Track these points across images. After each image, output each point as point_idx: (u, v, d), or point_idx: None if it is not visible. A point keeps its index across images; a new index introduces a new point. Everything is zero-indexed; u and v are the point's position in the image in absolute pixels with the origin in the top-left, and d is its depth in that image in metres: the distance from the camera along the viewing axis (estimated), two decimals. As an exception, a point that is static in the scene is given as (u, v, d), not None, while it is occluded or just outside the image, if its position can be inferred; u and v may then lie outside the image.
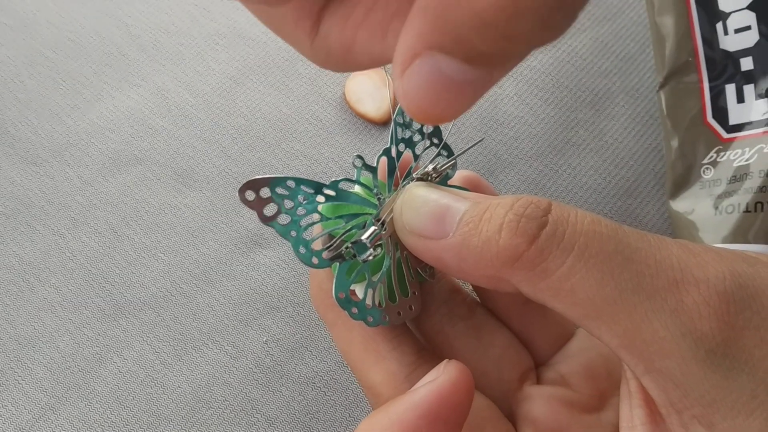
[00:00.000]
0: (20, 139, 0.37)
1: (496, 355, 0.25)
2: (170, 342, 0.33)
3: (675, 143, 0.33)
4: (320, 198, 0.21)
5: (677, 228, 0.33)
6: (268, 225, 0.20)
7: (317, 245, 0.21)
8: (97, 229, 0.35)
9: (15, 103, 0.38)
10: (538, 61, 0.38)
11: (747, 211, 0.30)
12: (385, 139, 0.37)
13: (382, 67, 0.26)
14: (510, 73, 0.38)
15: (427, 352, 0.24)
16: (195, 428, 0.31)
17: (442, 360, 0.24)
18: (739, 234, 0.30)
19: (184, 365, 0.32)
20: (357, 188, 0.23)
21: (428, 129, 0.25)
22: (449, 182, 0.24)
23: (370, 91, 0.37)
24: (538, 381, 0.26)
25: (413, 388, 0.21)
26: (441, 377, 0.20)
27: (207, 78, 0.39)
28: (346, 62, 0.19)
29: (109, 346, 0.33)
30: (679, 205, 0.33)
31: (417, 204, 0.21)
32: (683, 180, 0.33)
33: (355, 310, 0.21)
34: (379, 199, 0.23)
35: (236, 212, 0.35)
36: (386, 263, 0.22)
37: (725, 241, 0.31)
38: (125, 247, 0.35)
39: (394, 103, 0.37)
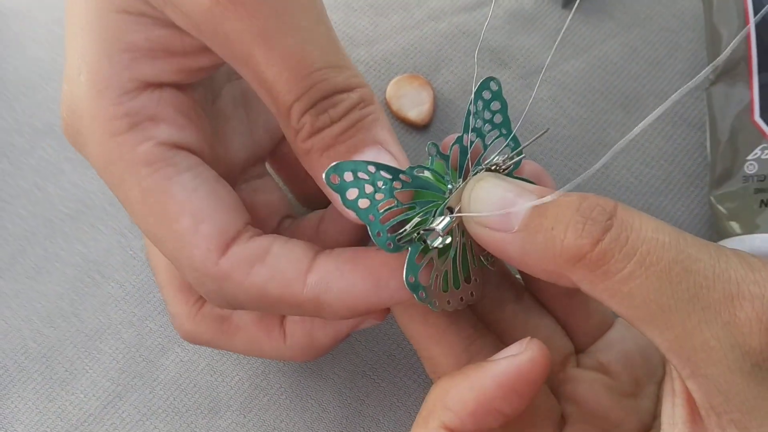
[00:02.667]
0: (81, 145, 0.40)
1: (542, 339, 0.26)
2: (228, 333, 0.35)
3: (721, 139, 0.35)
4: (396, 184, 0.22)
5: (717, 220, 0.34)
6: (349, 208, 0.21)
7: (391, 230, 0.22)
8: (157, 229, 0.37)
9: (75, 111, 0.41)
10: (570, 65, 0.40)
11: None
12: (425, 142, 0.39)
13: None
14: (544, 79, 0.40)
15: (482, 326, 0.26)
16: (253, 413, 0.33)
17: (496, 336, 0.25)
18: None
19: (242, 355, 0.35)
20: (427, 174, 0.23)
21: (498, 119, 0.25)
22: (515, 173, 0.25)
23: (410, 95, 0.39)
24: (578, 366, 0.27)
25: (495, 357, 0.22)
26: (523, 354, 0.22)
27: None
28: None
29: (171, 338, 0.35)
30: (721, 197, 0.35)
31: (484, 195, 0.22)
32: (727, 174, 0.34)
33: (422, 294, 0.22)
34: (450, 188, 0.23)
35: (287, 211, 0.37)
36: (452, 250, 0.23)
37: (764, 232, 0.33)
38: (183, 245, 0.37)
39: (434, 106, 0.39)
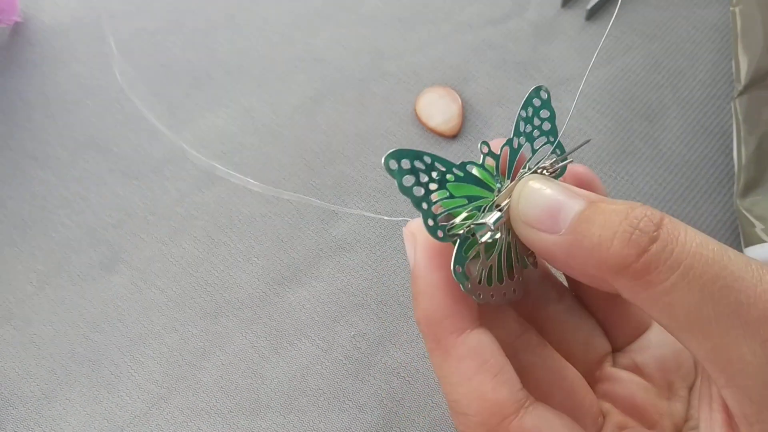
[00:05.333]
0: (122, 157, 0.41)
1: (582, 339, 0.27)
2: (267, 337, 0.36)
3: (750, 147, 0.36)
4: (450, 176, 0.23)
5: (744, 227, 0.35)
6: (404, 194, 0.22)
7: (442, 220, 0.23)
8: (196, 237, 0.39)
9: (116, 124, 0.42)
10: (594, 77, 0.41)
11: None
12: (454, 152, 0.40)
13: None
14: (569, 90, 0.41)
15: (524, 321, 0.27)
16: (293, 414, 0.35)
17: (542, 334, 0.26)
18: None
19: (281, 358, 0.36)
20: (475, 170, 0.24)
21: (547, 127, 0.26)
22: (560, 179, 0.26)
23: (439, 106, 0.40)
24: (613, 365, 0.28)
25: None
26: None
27: (289, 98, 0.42)
28: None
29: (212, 342, 0.36)
30: (748, 205, 0.36)
31: (534, 196, 0.22)
32: (754, 181, 0.36)
33: (468, 284, 0.23)
34: (498, 186, 0.24)
35: (321, 220, 0.39)
36: (498, 246, 0.24)
37: None
38: (222, 253, 0.38)
39: (462, 117, 0.40)
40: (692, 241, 0.19)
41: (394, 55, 0.43)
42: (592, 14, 0.42)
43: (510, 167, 0.25)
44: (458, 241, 0.23)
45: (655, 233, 0.19)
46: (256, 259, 0.38)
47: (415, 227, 0.24)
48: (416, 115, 0.41)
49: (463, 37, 0.43)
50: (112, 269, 0.38)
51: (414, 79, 0.42)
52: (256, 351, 0.36)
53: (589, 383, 0.27)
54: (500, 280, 0.25)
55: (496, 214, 0.23)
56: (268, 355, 0.36)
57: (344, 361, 0.36)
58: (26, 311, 0.37)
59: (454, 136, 0.40)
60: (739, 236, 0.37)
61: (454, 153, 0.40)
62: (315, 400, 0.35)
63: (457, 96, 0.41)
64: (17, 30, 0.45)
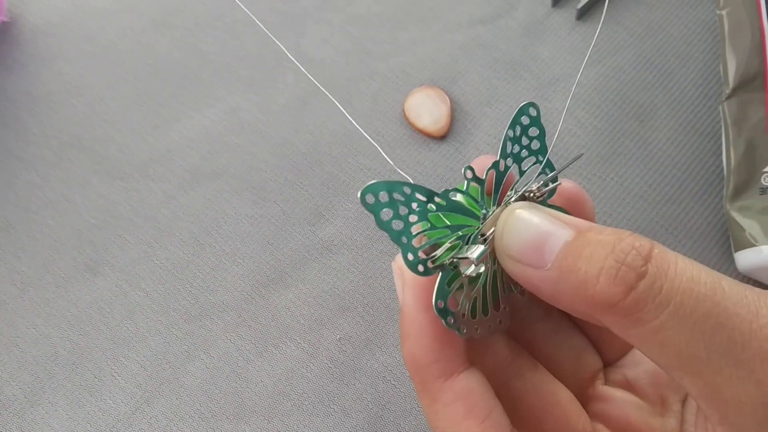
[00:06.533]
0: (107, 157, 0.41)
1: (572, 356, 0.27)
2: (252, 340, 0.36)
3: (738, 151, 0.36)
4: (431, 206, 0.22)
5: (734, 231, 0.35)
6: (382, 229, 0.21)
7: (423, 253, 0.21)
8: (182, 239, 0.38)
9: (101, 123, 0.42)
10: (584, 76, 0.41)
11: None
12: (442, 153, 0.40)
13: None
14: (557, 89, 0.41)
15: (515, 344, 0.26)
16: (277, 418, 0.34)
17: (532, 353, 0.26)
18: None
19: (265, 361, 0.35)
20: (459, 197, 0.23)
21: (536, 146, 0.25)
22: (550, 201, 0.25)
23: (428, 107, 0.40)
24: (605, 382, 0.28)
25: None
26: None
27: (276, 98, 0.42)
28: None
29: (197, 345, 0.36)
30: (738, 209, 0.35)
31: (518, 228, 0.21)
32: (743, 186, 0.35)
33: (450, 320, 0.22)
34: (484, 213, 0.23)
35: (308, 222, 0.38)
36: (483, 277, 0.23)
37: None
38: (207, 255, 0.38)
39: (451, 117, 0.40)
40: (683, 274, 0.18)
41: (383, 54, 0.43)
42: (583, 14, 0.42)
43: (496, 190, 0.24)
44: (440, 274, 0.22)
45: (643, 268, 0.18)
46: (241, 261, 0.38)
47: (404, 263, 0.23)
48: (404, 115, 0.40)
49: (453, 36, 0.43)
50: (96, 271, 0.38)
51: (402, 78, 0.42)
52: (240, 354, 0.36)
53: (581, 402, 0.27)
54: (485, 312, 0.24)
55: (479, 248, 0.21)
56: (252, 358, 0.36)
57: (329, 365, 0.35)
58: (9, 313, 0.37)
59: (442, 137, 0.40)
60: (729, 239, 0.36)
61: (442, 154, 0.40)
62: (300, 404, 0.35)
63: (446, 96, 0.40)
64: (4, 29, 0.45)
